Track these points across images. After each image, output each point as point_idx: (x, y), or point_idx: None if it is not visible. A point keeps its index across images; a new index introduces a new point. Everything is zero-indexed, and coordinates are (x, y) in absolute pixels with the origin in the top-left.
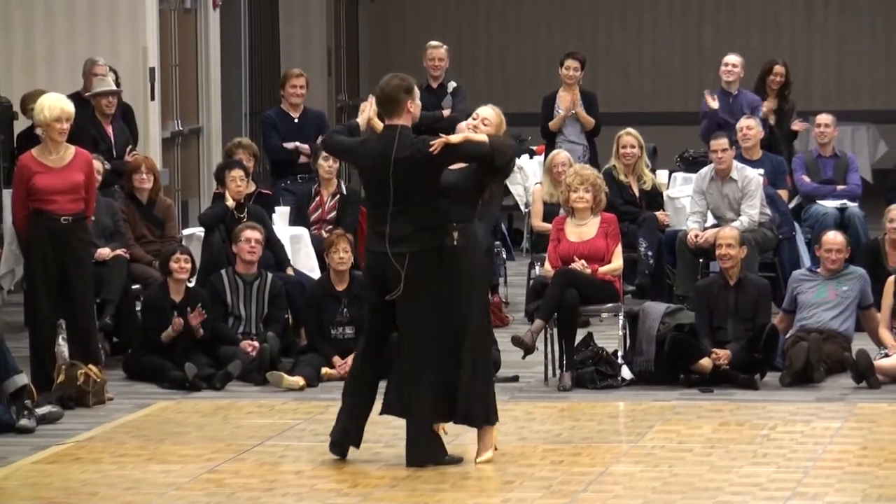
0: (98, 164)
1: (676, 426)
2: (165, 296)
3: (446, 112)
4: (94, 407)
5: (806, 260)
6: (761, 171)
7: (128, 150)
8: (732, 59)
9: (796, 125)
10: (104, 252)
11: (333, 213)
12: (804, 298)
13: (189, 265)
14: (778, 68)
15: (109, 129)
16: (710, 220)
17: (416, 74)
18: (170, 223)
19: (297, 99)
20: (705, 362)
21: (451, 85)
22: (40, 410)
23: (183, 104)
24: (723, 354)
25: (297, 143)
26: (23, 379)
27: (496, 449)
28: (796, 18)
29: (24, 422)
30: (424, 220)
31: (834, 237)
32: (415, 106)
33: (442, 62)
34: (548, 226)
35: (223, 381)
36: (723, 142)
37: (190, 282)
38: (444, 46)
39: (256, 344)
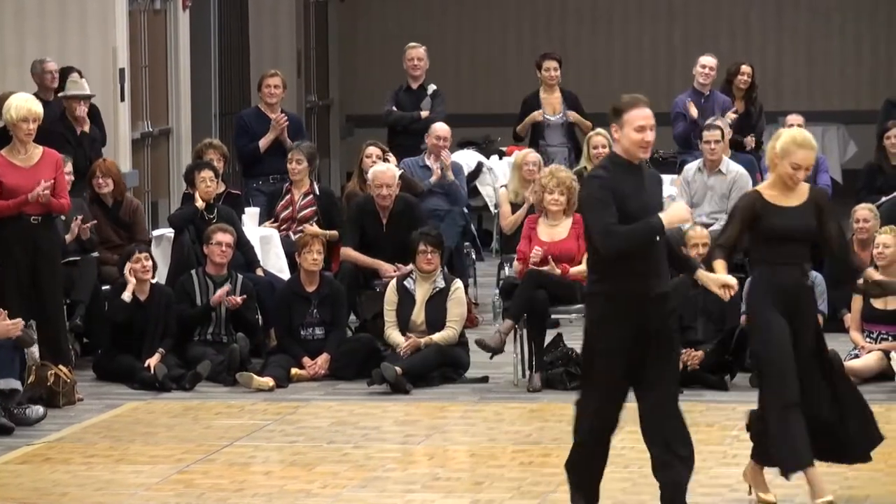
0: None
1: None
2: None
3: (424, 113)
4: (65, 407)
5: None
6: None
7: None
8: (709, 61)
9: (748, 141)
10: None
11: (304, 213)
12: None
13: (150, 262)
14: (744, 68)
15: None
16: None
17: (384, 75)
18: (138, 225)
19: (273, 99)
20: None
21: (431, 87)
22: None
23: (153, 105)
24: (694, 356)
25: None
26: (12, 384)
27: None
28: (766, 19)
29: (3, 420)
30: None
31: None
32: (621, 134)
33: (421, 62)
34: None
35: (193, 381)
36: (716, 133)
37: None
38: (423, 47)
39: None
